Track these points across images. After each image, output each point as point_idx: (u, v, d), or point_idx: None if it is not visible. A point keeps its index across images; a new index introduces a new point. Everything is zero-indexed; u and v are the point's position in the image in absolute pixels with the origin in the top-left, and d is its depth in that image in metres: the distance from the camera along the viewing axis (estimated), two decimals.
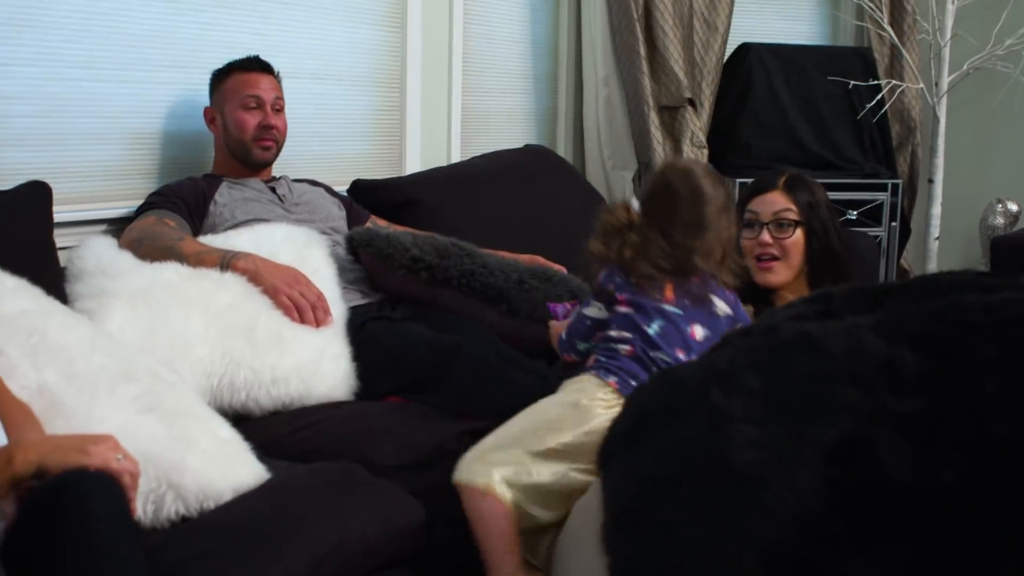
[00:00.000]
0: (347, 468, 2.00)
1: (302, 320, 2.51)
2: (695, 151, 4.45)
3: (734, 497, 1.42)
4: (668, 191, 2.14)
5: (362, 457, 2.18)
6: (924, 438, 1.36)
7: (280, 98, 3.07)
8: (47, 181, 2.58)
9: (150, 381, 1.98)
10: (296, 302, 2.51)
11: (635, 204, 2.17)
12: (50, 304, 2.07)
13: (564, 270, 3.08)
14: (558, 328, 2.33)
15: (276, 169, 3.15)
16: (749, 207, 2.72)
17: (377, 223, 3.27)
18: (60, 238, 2.75)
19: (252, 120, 2.99)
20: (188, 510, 1.85)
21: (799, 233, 2.66)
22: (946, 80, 4.60)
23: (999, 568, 1.26)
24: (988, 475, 1.32)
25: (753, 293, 2.67)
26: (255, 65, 3.04)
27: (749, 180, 4.32)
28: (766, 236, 2.67)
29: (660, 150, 4.40)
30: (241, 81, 3.00)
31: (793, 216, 2.66)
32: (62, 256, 2.62)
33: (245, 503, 1.86)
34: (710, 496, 1.45)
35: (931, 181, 4.68)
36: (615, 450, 1.68)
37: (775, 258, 2.67)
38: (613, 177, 4.52)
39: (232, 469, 1.92)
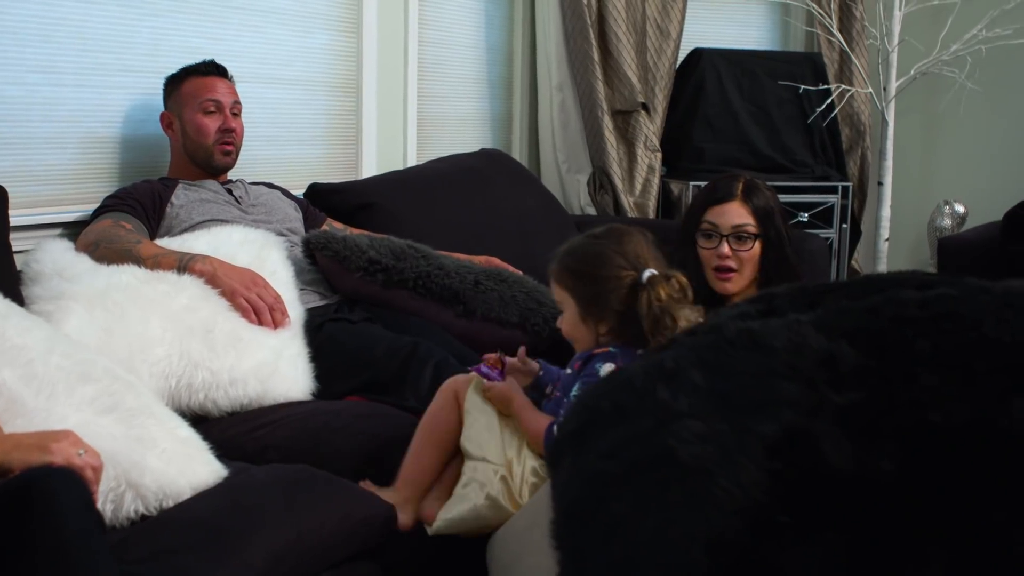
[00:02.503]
0: (303, 468, 2.02)
1: (260, 322, 2.53)
2: (649, 155, 4.51)
3: (681, 490, 1.46)
4: None
5: (320, 453, 2.21)
6: (863, 429, 1.41)
7: (238, 102, 3.09)
8: (3, 185, 2.59)
9: (108, 382, 1.99)
10: (254, 304, 2.53)
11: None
12: (7, 306, 2.07)
13: (519, 272, 3.12)
14: (509, 394, 2.15)
15: (232, 173, 3.17)
16: (707, 217, 2.73)
17: (334, 226, 3.30)
18: (16, 242, 2.74)
19: (212, 124, 3.01)
20: (148, 508, 1.86)
21: (756, 245, 2.70)
22: (894, 85, 4.69)
23: (933, 552, 1.31)
24: (924, 464, 1.37)
25: (706, 297, 2.71)
26: (211, 69, 3.05)
27: (702, 184, 4.42)
28: (725, 248, 2.69)
29: (614, 154, 4.45)
30: (199, 85, 3.02)
31: (752, 229, 2.69)
32: (18, 260, 2.63)
33: (204, 500, 1.89)
34: (658, 490, 1.49)
35: (880, 184, 4.78)
36: (564, 449, 1.71)
37: (732, 269, 2.71)
38: (568, 181, 4.57)
39: (191, 468, 1.94)
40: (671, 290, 1.95)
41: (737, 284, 2.73)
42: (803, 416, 1.46)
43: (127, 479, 1.86)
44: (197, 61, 3.08)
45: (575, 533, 1.64)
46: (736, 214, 2.71)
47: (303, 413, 2.37)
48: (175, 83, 3.04)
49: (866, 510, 1.35)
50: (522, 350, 2.27)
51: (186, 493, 1.91)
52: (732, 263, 2.70)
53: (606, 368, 1.96)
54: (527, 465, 2.03)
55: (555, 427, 1.99)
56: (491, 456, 2.05)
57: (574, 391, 2.01)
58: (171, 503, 1.89)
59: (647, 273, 1.95)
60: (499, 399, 2.11)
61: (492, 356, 2.26)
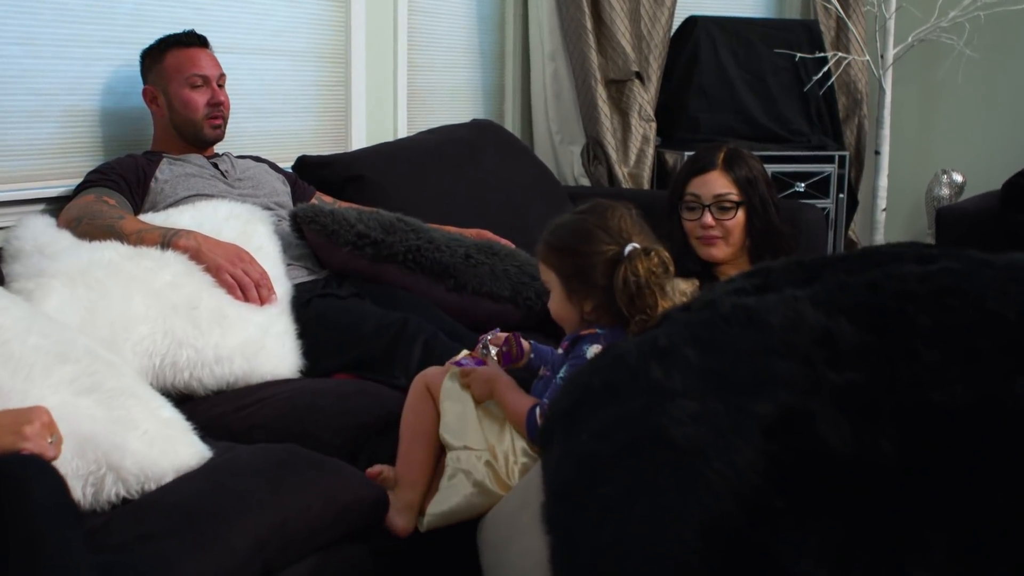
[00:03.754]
0: (290, 448, 1.98)
1: (246, 298, 2.48)
2: (643, 125, 4.45)
3: (674, 472, 1.42)
4: None
5: (307, 433, 2.17)
6: (862, 410, 1.36)
7: (223, 74, 3.03)
8: None
9: (88, 362, 1.95)
10: (239, 280, 2.48)
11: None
12: None
13: (511, 244, 3.07)
14: (491, 376, 2.09)
15: (219, 146, 3.11)
16: (689, 189, 2.74)
17: (323, 199, 3.24)
18: None
19: (200, 99, 2.95)
20: (129, 492, 1.82)
21: (740, 213, 2.69)
22: (891, 52, 4.63)
23: (934, 536, 1.27)
24: (925, 445, 1.32)
25: (696, 267, 2.68)
26: (193, 40, 2.99)
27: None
28: (708, 218, 2.70)
29: (608, 124, 4.39)
30: (182, 59, 2.95)
31: (734, 198, 2.70)
32: None
33: (187, 484, 1.84)
34: (650, 472, 1.45)
35: (877, 153, 4.72)
36: (555, 429, 1.67)
37: (717, 238, 2.71)
38: (561, 152, 4.51)
39: (174, 450, 1.90)
40: (651, 265, 1.90)
41: (723, 251, 2.73)
42: (800, 396, 1.41)
43: (108, 462, 1.81)
44: (176, 32, 3.01)
45: (566, 516, 1.59)
46: (718, 183, 2.72)
47: (290, 391, 2.32)
48: (155, 56, 2.97)
49: (865, 494, 1.31)
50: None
51: (169, 475, 1.87)
52: (716, 232, 2.71)
53: (592, 350, 1.92)
54: (516, 445, 1.99)
55: (538, 408, 1.95)
56: (472, 443, 2.01)
57: (561, 373, 1.96)
58: (153, 486, 1.85)
59: (628, 247, 1.91)
60: (481, 383, 2.06)
61: (501, 336, 2.20)
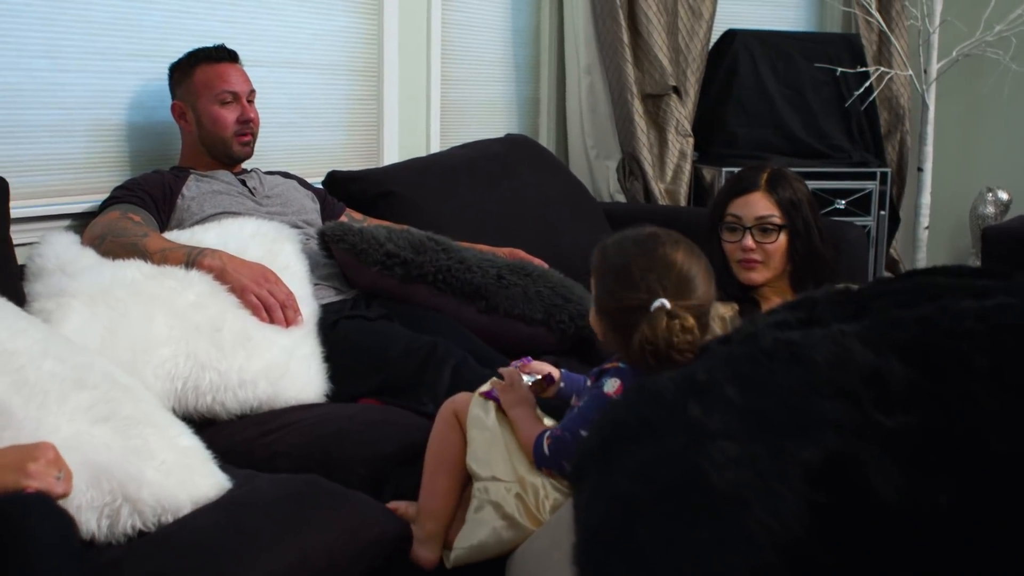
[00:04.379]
0: (312, 479, 1.91)
1: (271, 320, 2.42)
2: (680, 140, 4.37)
3: (713, 520, 1.34)
4: None
5: (331, 462, 2.11)
6: (915, 457, 1.28)
7: (253, 90, 2.98)
8: (6, 176, 2.49)
9: (106, 388, 1.88)
10: (264, 301, 2.42)
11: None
12: (1, 306, 1.97)
13: (545, 265, 3.00)
14: (521, 399, 2.01)
15: (249, 161, 3.06)
16: (730, 210, 2.64)
17: (352, 216, 3.19)
18: (21, 234, 2.67)
19: (230, 116, 2.90)
20: (145, 524, 1.76)
21: (782, 236, 2.59)
22: (935, 67, 4.54)
23: None
24: (984, 497, 1.24)
25: (736, 291, 2.60)
26: (223, 55, 2.94)
27: (735, 169, 4.28)
28: (749, 241, 2.60)
29: (644, 139, 4.32)
30: (212, 75, 2.90)
31: (777, 221, 2.59)
32: (22, 253, 2.54)
33: (204, 517, 1.77)
34: (688, 518, 1.37)
35: (920, 170, 4.62)
36: (588, 466, 1.59)
37: (758, 261, 2.60)
38: (597, 167, 4.43)
39: (192, 480, 1.83)
40: (670, 332, 1.76)
41: (763, 275, 2.62)
42: (848, 440, 1.33)
43: (123, 493, 1.75)
44: (205, 45, 2.96)
45: (598, 559, 1.52)
46: (760, 205, 2.61)
47: (314, 418, 2.25)
48: (184, 71, 2.92)
49: (918, 549, 1.23)
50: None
51: (186, 507, 1.80)
52: (757, 255, 2.60)
53: (611, 384, 1.82)
54: (546, 479, 1.90)
55: (547, 435, 1.86)
56: (500, 474, 1.93)
57: (580, 404, 1.88)
58: (170, 518, 1.78)
59: (655, 304, 1.79)
60: (510, 401, 2.00)
61: (535, 365, 2.11)
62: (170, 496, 1.79)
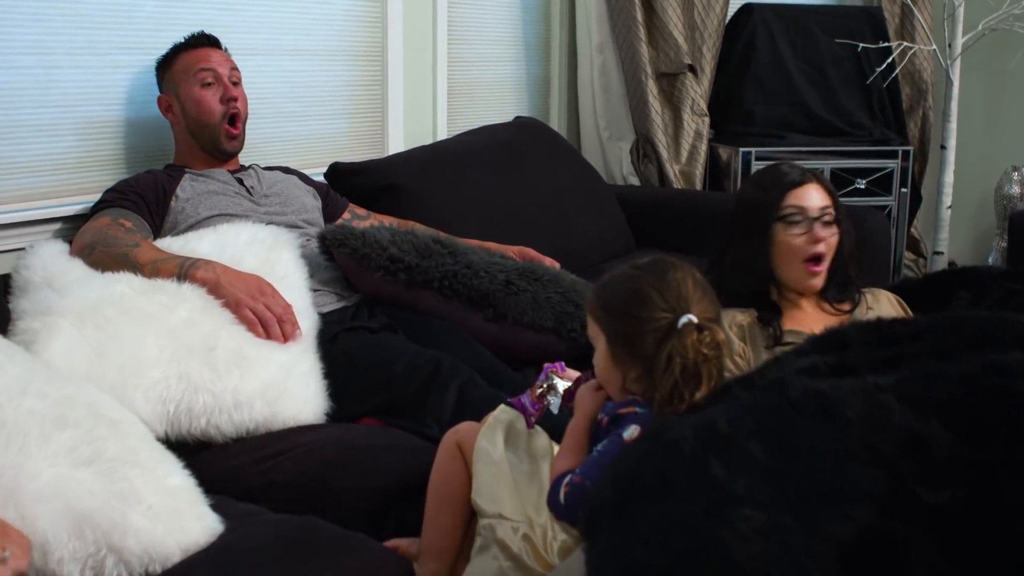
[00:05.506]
0: (308, 522, 1.80)
1: (267, 335, 2.30)
2: (696, 120, 4.23)
3: None
4: None
5: (330, 493, 2.00)
6: (960, 540, 1.16)
7: (236, 70, 2.86)
8: None
9: (90, 424, 1.78)
10: (261, 316, 2.30)
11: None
12: None
13: (557, 264, 2.88)
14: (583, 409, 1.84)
15: (247, 154, 2.94)
16: (789, 202, 2.37)
17: (356, 212, 3.06)
18: (9, 240, 2.58)
19: (212, 97, 2.78)
20: (132, 575, 1.66)
21: (836, 233, 2.39)
22: (960, 41, 4.39)
23: None
24: None
25: (761, 301, 2.43)
26: (202, 41, 2.83)
27: (752, 149, 4.15)
28: (820, 230, 2.35)
29: (659, 120, 4.18)
30: (191, 59, 2.79)
31: (834, 213, 2.38)
32: (10, 260, 2.46)
33: (194, 570, 1.67)
34: None
35: (943, 147, 4.47)
36: (601, 522, 1.48)
37: (822, 258, 2.38)
38: (609, 149, 4.30)
39: (180, 526, 1.72)
40: (702, 345, 1.64)
41: (822, 279, 2.40)
42: (884, 515, 1.21)
43: (108, 543, 1.65)
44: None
45: None
46: (818, 196, 2.37)
47: (312, 443, 2.14)
48: (166, 63, 2.82)
49: None
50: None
51: (175, 556, 1.69)
52: (823, 248, 2.36)
53: (630, 432, 1.69)
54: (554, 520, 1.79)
55: (566, 479, 1.71)
56: (508, 512, 1.82)
57: (599, 447, 1.74)
58: (158, 568, 1.67)
59: (683, 319, 1.66)
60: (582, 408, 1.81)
61: (572, 373, 1.96)
62: (158, 544, 1.68)
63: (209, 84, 2.78)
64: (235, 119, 2.81)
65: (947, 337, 1.47)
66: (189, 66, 2.78)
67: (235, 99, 2.81)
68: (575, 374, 1.94)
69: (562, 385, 1.91)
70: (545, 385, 1.90)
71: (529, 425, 1.92)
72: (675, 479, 1.42)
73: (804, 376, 1.46)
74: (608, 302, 1.75)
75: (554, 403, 1.88)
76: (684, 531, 1.34)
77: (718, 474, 1.36)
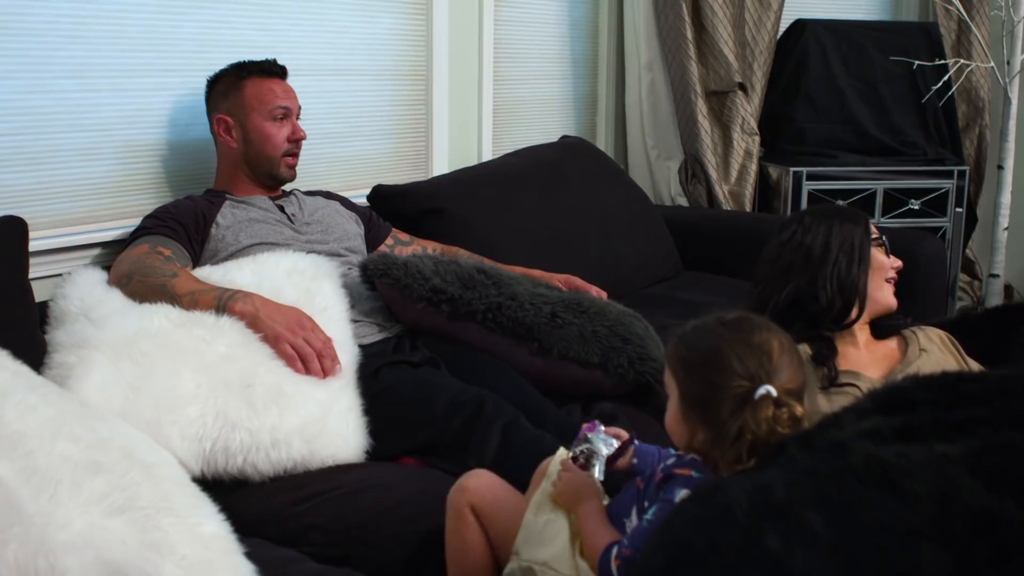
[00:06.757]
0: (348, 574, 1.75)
1: (307, 370, 2.25)
2: (746, 139, 4.15)
3: None
4: None
5: (369, 539, 1.96)
6: None
7: (300, 107, 2.83)
8: (30, 205, 2.36)
9: (123, 470, 1.73)
10: (300, 350, 2.25)
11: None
12: (12, 377, 1.82)
13: (604, 294, 2.79)
14: (582, 490, 1.77)
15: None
16: (872, 228, 2.43)
17: (399, 237, 3.01)
18: (48, 265, 2.57)
19: (281, 133, 2.77)
20: None
21: None
22: (1019, 59, 4.28)
23: None
24: None
25: (812, 335, 2.36)
26: (275, 70, 2.80)
27: (804, 168, 4.06)
28: (893, 258, 2.46)
29: (708, 139, 4.10)
30: (264, 89, 2.76)
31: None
32: (49, 286, 2.42)
33: None
34: None
35: (1000, 167, 4.35)
36: None
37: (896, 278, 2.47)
38: (657, 168, 4.23)
39: None
40: (777, 421, 1.55)
41: None
42: None
43: None
44: (249, 58, 2.81)
45: None
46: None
47: (352, 486, 2.08)
48: (231, 83, 2.77)
49: None
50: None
51: None
52: (899, 264, 2.47)
53: (682, 495, 1.60)
54: None
55: (615, 550, 1.64)
56: (560, 567, 1.73)
57: (649, 515, 1.66)
58: None
59: (760, 390, 1.57)
60: (569, 493, 1.77)
61: (613, 431, 1.88)
62: None
63: (279, 119, 2.75)
64: (294, 154, 2.79)
65: (1020, 396, 1.38)
66: (263, 97, 2.75)
67: (303, 138, 2.80)
68: (618, 433, 1.86)
69: (606, 449, 1.82)
70: (586, 449, 1.81)
71: None
72: (727, 549, 1.34)
73: (867, 441, 1.38)
74: (687, 360, 1.65)
75: (598, 469, 1.80)
76: None
77: (775, 546, 1.28)
